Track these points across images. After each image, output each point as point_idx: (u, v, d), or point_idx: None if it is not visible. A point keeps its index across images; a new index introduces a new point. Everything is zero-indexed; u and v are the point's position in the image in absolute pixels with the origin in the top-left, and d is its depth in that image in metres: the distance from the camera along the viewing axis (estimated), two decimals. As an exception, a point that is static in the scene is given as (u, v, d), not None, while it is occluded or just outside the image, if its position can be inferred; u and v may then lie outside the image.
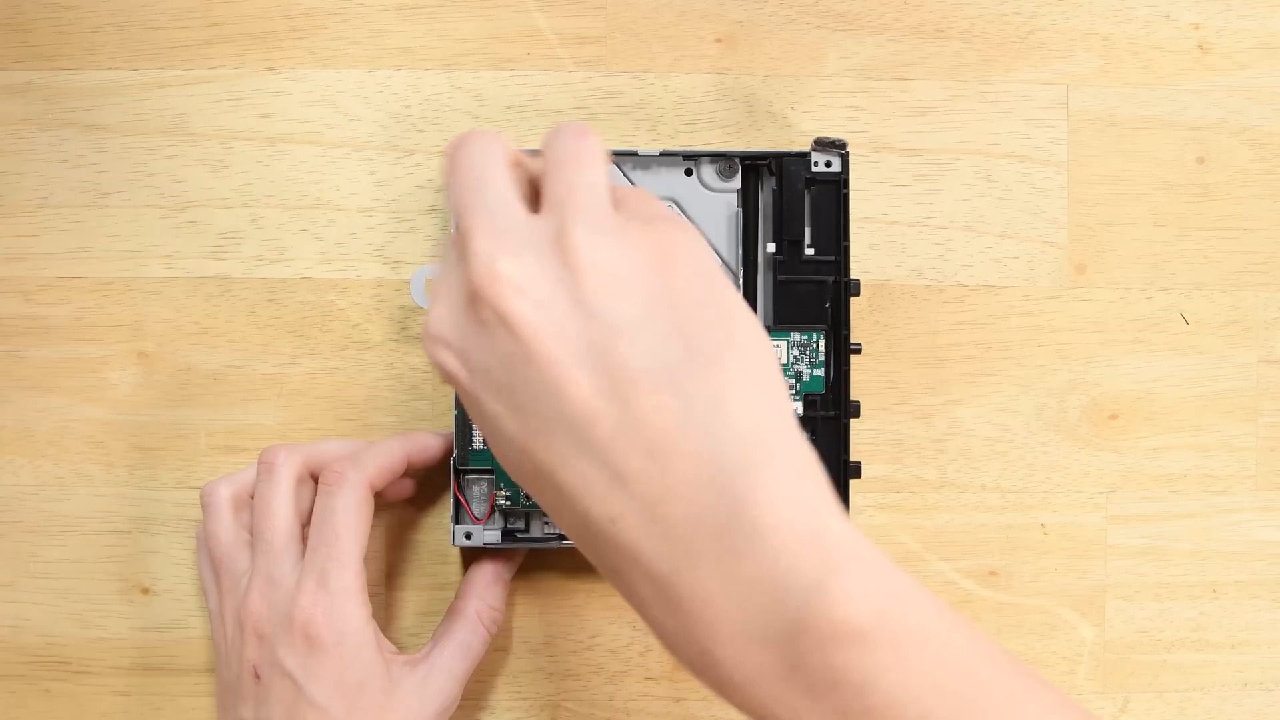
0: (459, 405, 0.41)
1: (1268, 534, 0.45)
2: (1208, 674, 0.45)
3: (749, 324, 0.29)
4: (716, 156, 0.41)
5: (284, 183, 0.43)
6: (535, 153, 0.32)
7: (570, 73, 0.44)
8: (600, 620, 0.43)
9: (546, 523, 0.41)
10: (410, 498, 0.43)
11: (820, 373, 0.41)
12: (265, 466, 0.39)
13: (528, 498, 0.40)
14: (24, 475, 0.43)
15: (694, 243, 0.29)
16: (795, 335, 0.41)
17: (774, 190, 0.41)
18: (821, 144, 0.41)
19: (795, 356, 0.41)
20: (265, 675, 0.37)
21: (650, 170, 0.41)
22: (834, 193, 0.41)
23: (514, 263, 0.28)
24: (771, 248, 0.41)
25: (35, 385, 0.43)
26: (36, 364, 0.43)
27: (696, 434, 0.27)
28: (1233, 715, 0.45)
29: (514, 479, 0.30)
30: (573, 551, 0.43)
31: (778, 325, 0.41)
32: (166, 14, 0.43)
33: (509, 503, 0.40)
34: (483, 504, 0.41)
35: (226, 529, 0.39)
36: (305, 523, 0.39)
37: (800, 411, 0.41)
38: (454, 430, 0.41)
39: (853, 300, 0.42)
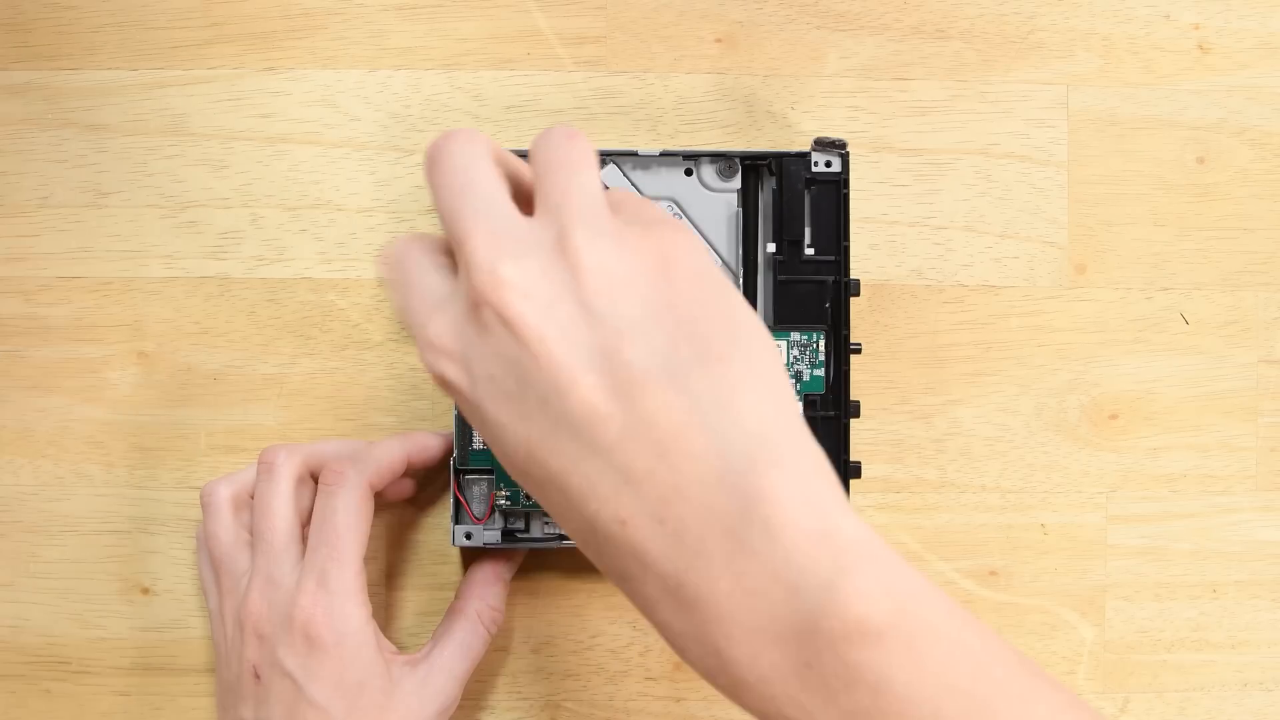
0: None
1: (1268, 534, 0.45)
2: (1208, 674, 0.45)
3: (753, 324, 0.29)
4: (716, 156, 0.41)
5: (284, 183, 0.43)
6: (523, 154, 0.32)
7: (570, 73, 0.44)
8: (600, 620, 0.44)
9: (546, 523, 0.41)
10: (410, 498, 0.43)
11: (820, 373, 0.41)
12: (265, 466, 0.39)
13: (528, 498, 0.40)
14: (24, 475, 0.43)
15: (693, 245, 0.29)
16: (795, 335, 0.41)
17: (774, 190, 0.41)
18: (821, 144, 0.41)
19: (795, 356, 0.41)
20: (265, 675, 0.37)
21: (650, 170, 0.41)
22: (834, 193, 0.41)
23: (516, 266, 0.28)
24: (771, 248, 0.41)
25: (35, 385, 0.43)
26: (36, 364, 0.43)
27: (705, 433, 0.27)
28: (1233, 715, 0.45)
29: (521, 484, 0.30)
30: (573, 551, 0.43)
31: (778, 325, 0.41)
32: (166, 14, 0.43)
33: (509, 503, 0.40)
34: (483, 504, 0.41)
35: (226, 529, 0.39)
36: (305, 523, 0.39)
37: (800, 411, 0.41)
38: (454, 430, 0.41)
39: (853, 300, 0.42)
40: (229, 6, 0.43)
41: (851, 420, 0.41)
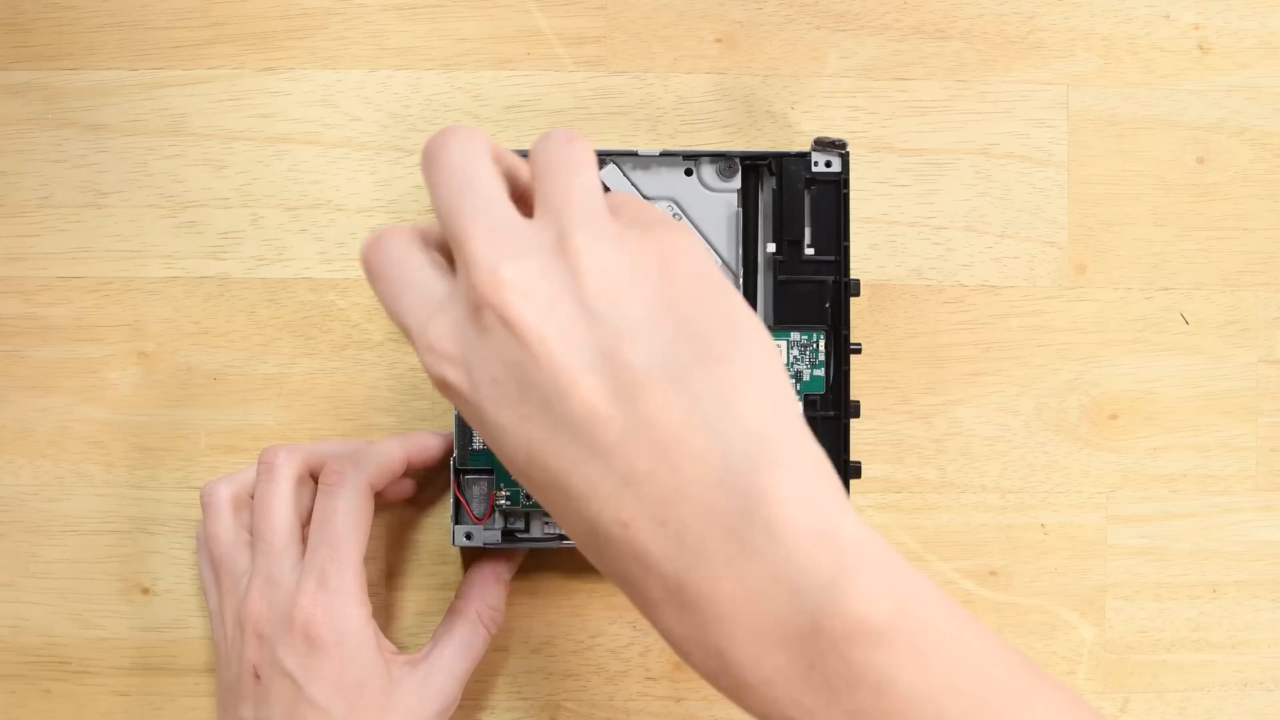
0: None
1: (1268, 534, 0.45)
2: (1208, 674, 0.45)
3: (753, 324, 0.29)
4: (716, 156, 0.41)
5: (284, 183, 0.43)
6: (524, 154, 0.32)
7: (570, 73, 0.44)
8: (600, 620, 0.44)
9: (546, 523, 0.41)
10: (410, 498, 0.43)
11: (820, 373, 0.41)
12: (265, 466, 0.39)
13: (528, 498, 0.40)
14: (24, 475, 0.43)
15: (693, 246, 0.29)
16: (795, 335, 0.41)
17: (774, 190, 0.41)
18: (821, 144, 0.41)
19: (795, 356, 0.41)
20: (265, 675, 0.37)
21: (650, 170, 0.41)
22: (834, 193, 0.41)
23: (517, 267, 0.28)
24: (771, 248, 0.41)
25: (35, 385, 0.43)
26: (36, 364, 0.43)
27: (705, 434, 0.27)
28: (1233, 715, 0.45)
29: (522, 485, 0.30)
30: (573, 551, 0.43)
31: (778, 325, 0.41)
32: (166, 14, 0.43)
33: (509, 503, 0.40)
34: (483, 504, 0.41)
35: (226, 529, 0.39)
36: (305, 523, 0.39)
37: (801, 411, 0.41)
38: (454, 430, 0.41)
39: (853, 300, 0.42)
40: (229, 6, 0.43)
41: (851, 420, 0.41)
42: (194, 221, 0.43)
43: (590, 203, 0.29)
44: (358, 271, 0.43)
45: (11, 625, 0.43)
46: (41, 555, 0.43)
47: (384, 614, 0.43)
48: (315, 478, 0.40)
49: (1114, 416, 0.45)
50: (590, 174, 0.29)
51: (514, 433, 0.28)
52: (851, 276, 0.41)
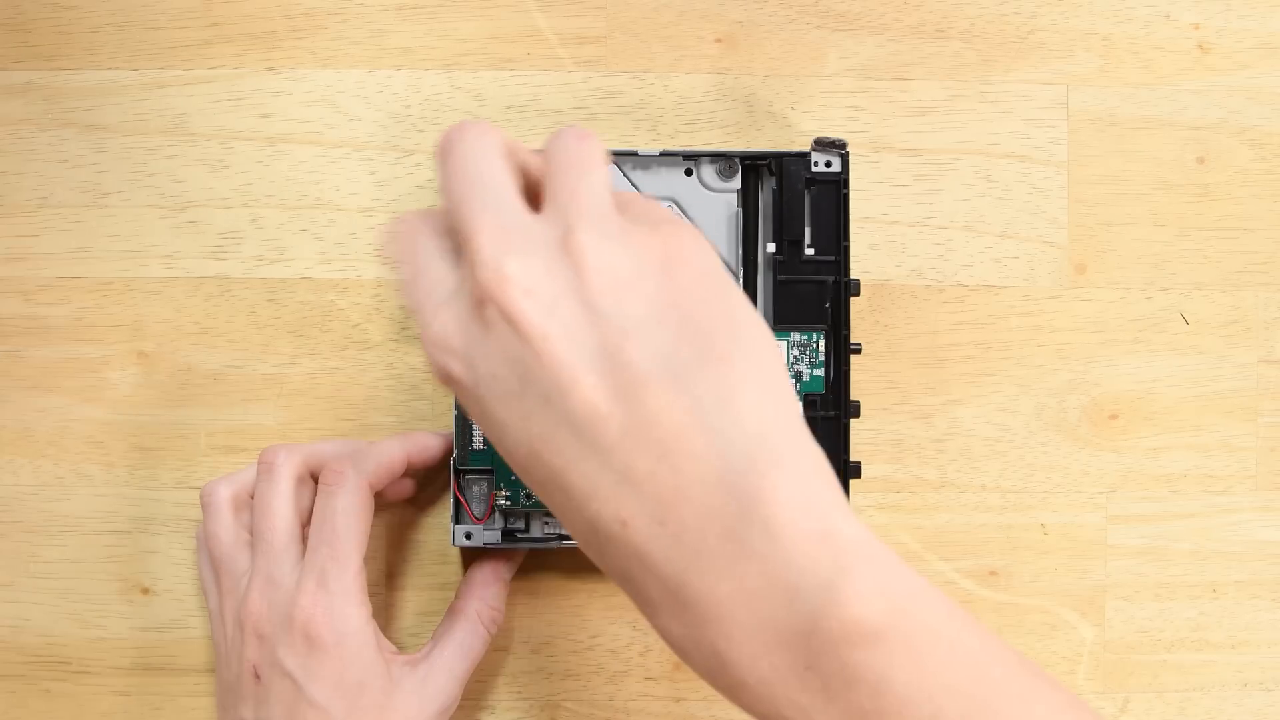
0: (459, 405, 0.41)
1: (1268, 534, 0.45)
2: (1208, 674, 0.45)
3: (755, 324, 0.29)
4: (716, 156, 0.41)
5: (284, 183, 0.43)
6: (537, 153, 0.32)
7: (570, 73, 0.44)
8: (600, 620, 0.44)
9: (546, 523, 0.41)
10: (410, 498, 0.43)
11: (820, 373, 0.41)
12: (265, 466, 0.39)
13: (528, 497, 0.40)
14: (24, 475, 0.43)
15: (699, 245, 0.29)
16: (795, 335, 0.41)
17: (774, 190, 0.41)
18: (821, 144, 0.41)
19: (795, 356, 0.41)
20: (265, 675, 0.37)
21: (650, 170, 0.41)
22: (834, 193, 0.41)
23: (521, 263, 0.28)
24: (771, 248, 0.41)
25: (35, 385, 0.43)
26: (36, 364, 0.43)
27: (705, 434, 0.27)
28: (1233, 715, 0.45)
29: (523, 481, 0.30)
30: (573, 551, 0.43)
31: (778, 325, 0.41)
32: (166, 14, 0.43)
33: (509, 503, 0.40)
34: (483, 504, 0.41)
35: (226, 529, 0.39)
36: (305, 523, 0.39)
37: (801, 412, 0.41)
38: (454, 430, 0.41)
39: (853, 300, 0.42)
40: (229, 6, 0.43)
41: (851, 420, 0.41)
42: (194, 221, 0.43)
43: (597, 201, 0.29)
44: (358, 271, 0.43)
45: (11, 625, 0.43)
46: (41, 555, 0.43)
47: (384, 614, 0.43)
48: (315, 478, 0.40)
49: (1114, 416, 0.45)
50: (600, 173, 0.29)
51: (515, 429, 0.28)
52: (851, 276, 0.41)
